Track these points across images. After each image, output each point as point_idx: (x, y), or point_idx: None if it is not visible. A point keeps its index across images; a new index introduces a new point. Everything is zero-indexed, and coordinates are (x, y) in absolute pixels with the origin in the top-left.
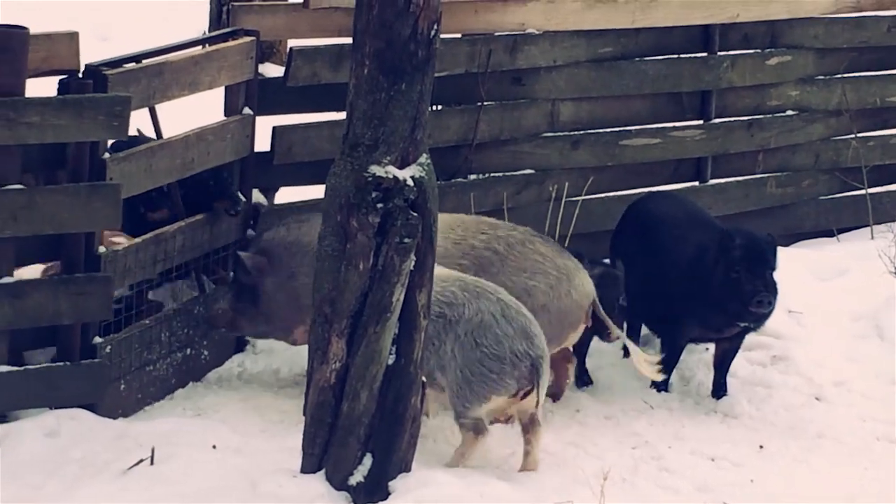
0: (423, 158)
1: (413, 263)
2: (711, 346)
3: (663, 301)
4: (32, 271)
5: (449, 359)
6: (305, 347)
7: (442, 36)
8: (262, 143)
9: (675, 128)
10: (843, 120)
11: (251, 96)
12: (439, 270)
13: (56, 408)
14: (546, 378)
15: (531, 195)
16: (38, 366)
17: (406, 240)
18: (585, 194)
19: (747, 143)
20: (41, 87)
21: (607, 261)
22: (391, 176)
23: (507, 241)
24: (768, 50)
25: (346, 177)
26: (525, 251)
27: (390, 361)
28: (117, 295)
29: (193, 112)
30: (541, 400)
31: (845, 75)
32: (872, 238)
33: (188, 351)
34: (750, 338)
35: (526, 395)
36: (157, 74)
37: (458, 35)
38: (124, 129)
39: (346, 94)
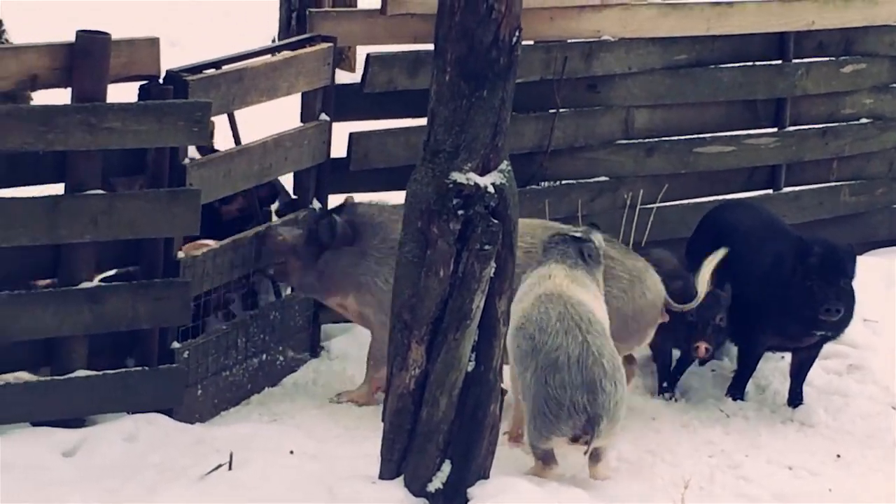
0: (504, 165)
1: (493, 270)
2: (787, 355)
3: (741, 310)
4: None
5: (526, 385)
6: None
7: None
8: (338, 149)
9: (749, 135)
10: None
11: (328, 102)
12: (557, 286)
13: (133, 412)
14: (605, 433)
15: (605, 202)
16: (116, 371)
17: (486, 246)
18: (660, 202)
19: (821, 150)
20: (123, 93)
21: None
22: (472, 183)
23: None
24: (843, 57)
25: (427, 183)
26: None
27: (470, 368)
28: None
29: (267, 118)
30: (600, 450)
31: None
32: None
33: (264, 356)
34: (826, 346)
35: (586, 443)
36: (236, 80)
37: (533, 42)
38: (204, 135)
39: (423, 100)
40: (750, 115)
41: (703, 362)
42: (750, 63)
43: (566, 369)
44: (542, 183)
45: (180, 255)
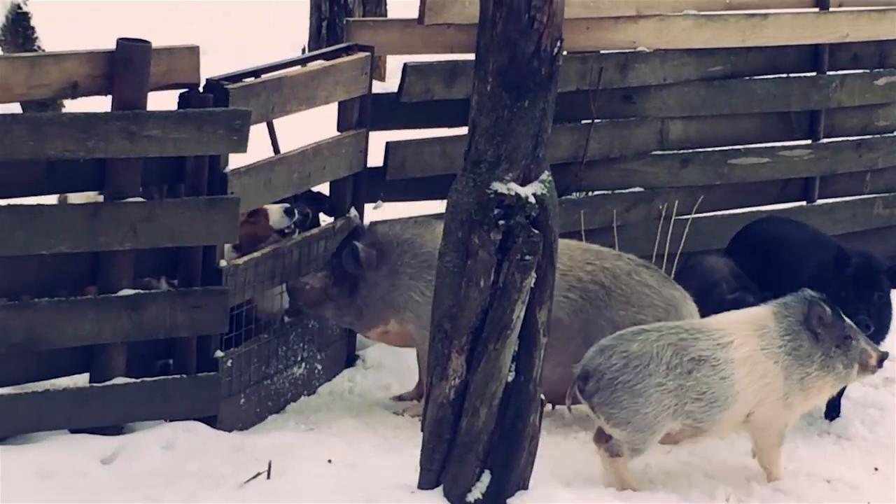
0: (545, 175)
1: (533, 280)
2: None
3: None
4: None
5: None
6: (415, 363)
7: None
8: (375, 158)
9: (783, 147)
10: None
11: (365, 111)
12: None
13: (172, 420)
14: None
15: (640, 213)
16: (154, 378)
17: (527, 257)
18: (694, 213)
19: (855, 163)
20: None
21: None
22: (513, 193)
23: (614, 273)
24: (877, 70)
25: (468, 193)
26: (631, 283)
27: (510, 379)
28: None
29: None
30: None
31: None
32: None
33: (303, 365)
34: None
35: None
36: (276, 89)
37: (569, 52)
38: (244, 143)
39: (459, 109)
40: (784, 127)
41: None
42: (784, 75)
43: None
44: (576, 194)
45: (222, 263)
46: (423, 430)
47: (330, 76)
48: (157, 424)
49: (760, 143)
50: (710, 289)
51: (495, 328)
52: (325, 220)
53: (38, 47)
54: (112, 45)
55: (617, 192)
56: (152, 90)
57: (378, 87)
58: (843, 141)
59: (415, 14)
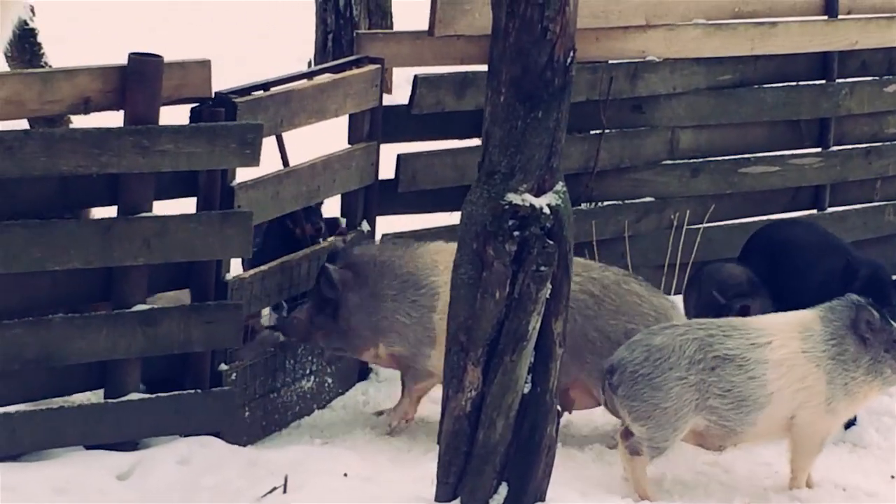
0: (559, 186)
1: (549, 292)
2: None
3: None
4: None
5: None
6: None
7: None
8: (386, 170)
9: (793, 155)
10: None
11: (375, 124)
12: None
13: (186, 435)
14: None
15: (651, 223)
16: (169, 393)
17: (542, 268)
18: (705, 222)
19: (865, 171)
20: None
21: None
22: (528, 204)
23: (602, 283)
24: (886, 77)
25: (483, 204)
26: (621, 292)
27: (526, 390)
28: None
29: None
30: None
31: None
32: None
33: (313, 378)
34: None
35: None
36: (284, 102)
37: (579, 62)
38: (256, 157)
39: (470, 121)
40: (794, 136)
41: None
42: (794, 83)
43: None
44: (587, 204)
45: (228, 276)
46: (439, 442)
47: (340, 89)
48: (172, 439)
49: (770, 151)
50: (723, 294)
51: (511, 339)
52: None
53: (45, 63)
54: (119, 57)
55: (628, 202)
56: (164, 104)
57: (385, 100)
58: (852, 149)
59: (423, 26)
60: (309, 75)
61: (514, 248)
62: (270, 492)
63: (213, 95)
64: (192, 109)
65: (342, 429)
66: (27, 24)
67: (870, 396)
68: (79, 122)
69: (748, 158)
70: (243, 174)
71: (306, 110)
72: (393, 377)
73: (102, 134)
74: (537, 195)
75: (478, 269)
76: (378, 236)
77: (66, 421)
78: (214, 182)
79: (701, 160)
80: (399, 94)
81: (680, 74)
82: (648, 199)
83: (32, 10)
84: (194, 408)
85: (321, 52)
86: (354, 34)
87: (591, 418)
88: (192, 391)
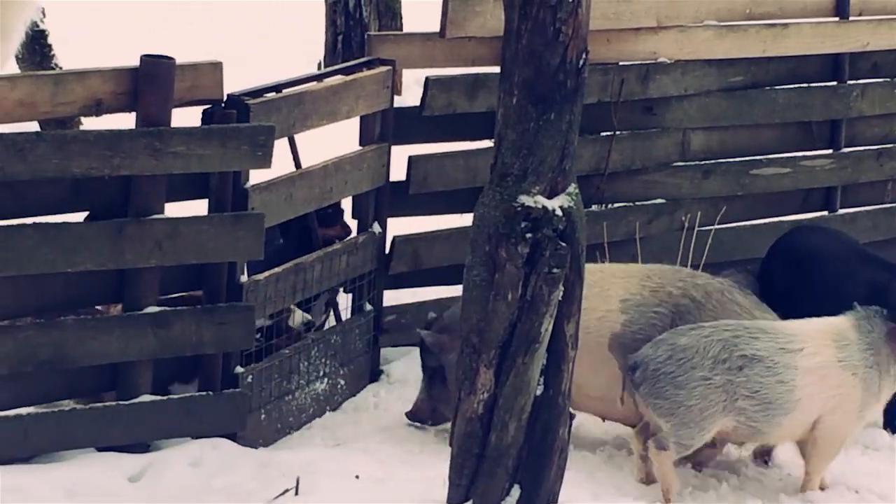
0: (572, 188)
1: (561, 294)
2: None
3: None
4: None
5: None
6: None
7: None
8: (397, 172)
9: (805, 157)
10: None
11: (387, 125)
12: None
13: (197, 437)
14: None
15: (662, 225)
16: (180, 395)
17: (555, 270)
18: (717, 224)
19: (876, 172)
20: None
21: None
22: (540, 206)
23: (706, 290)
24: None
25: (495, 207)
26: (723, 300)
27: (538, 392)
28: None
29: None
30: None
31: None
32: None
33: (326, 381)
34: None
35: None
36: (297, 104)
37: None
38: (268, 158)
39: (482, 123)
40: (805, 137)
41: None
42: (805, 84)
43: None
44: (595, 206)
45: (242, 279)
46: (451, 444)
47: (351, 90)
48: (183, 441)
49: (782, 153)
50: None
51: (524, 342)
52: None
53: (56, 65)
54: (120, 58)
55: (639, 203)
56: (176, 106)
57: (395, 101)
58: (864, 150)
59: (433, 27)
60: (320, 77)
61: (527, 250)
62: (282, 494)
63: (224, 97)
64: (204, 111)
65: (354, 430)
66: (38, 26)
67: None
68: (90, 123)
69: (760, 160)
70: (256, 176)
71: (318, 112)
72: (404, 379)
73: (114, 136)
74: (550, 197)
75: (490, 272)
76: (389, 238)
77: (77, 423)
78: (226, 184)
79: (712, 162)
80: (409, 95)
81: (691, 76)
82: (660, 200)
83: (43, 12)
84: (206, 410)
85: (331, 54)
86: (365, 36)
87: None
88: (204, 393)
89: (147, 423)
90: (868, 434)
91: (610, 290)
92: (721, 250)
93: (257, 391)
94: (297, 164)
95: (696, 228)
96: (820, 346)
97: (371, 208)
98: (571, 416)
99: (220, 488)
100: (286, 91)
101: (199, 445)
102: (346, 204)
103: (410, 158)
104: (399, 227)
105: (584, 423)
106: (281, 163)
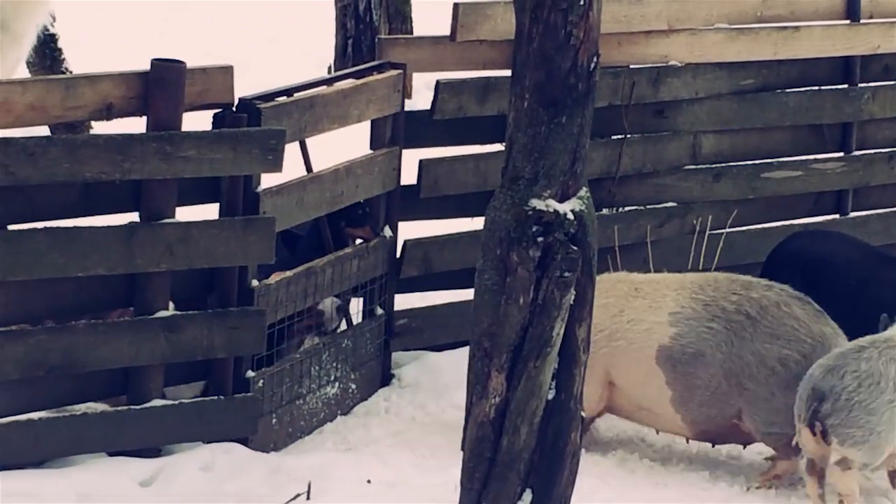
0: (583, 192)
1: (573, 297)
2: None
3: None
4: None
5: None
6: (451, 381)
7: None
8: (408, 176)
9: (816, 160)
10: None
11: (397, 129)
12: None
13: (208, 442)
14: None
15: (673, 228)
16: (191, 400)
17: (566, 274)
18: (728, 227)
19: (888, 175)
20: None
21: None
22: (552, 209)
23: (761, 304)
24: None
25: (507, 210)
26: (780, 314)
27: (550, 396)
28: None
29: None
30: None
31: None
32: None
33: (337, 385)
34: None
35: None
36: (308, 108)
37: (601, 67)
38: (279, 163)
39: (492, 126)
40: (816, 140)
41: None
42: (816, 87)
43: None
44: (606, 209)
45: (254, 283)
46: (463, 448)
47: (362, 94)
48: (195, 446)
49: (793, 156)
50: None
51: (535, 346)
52: None
53: (66, 69)
54: (124, 61)
55: (650, 207)
56: (186, 111)
57: (405, 105)
58: (875, 153)
59: (443, 31)
60: (330, 81)
61: (538, 253)
62: (294, 498)
63: (235, 101)
64: (215, 115)
65: (365, 435)
66: (48, 30)
67: None
68: (101, 128)
69: (771, 163)
70: (267, 180)
71: (329, 116)
72: (416, 383)
73: (125, 140)
74: (561, 201)
75: (501, 275)
76: (400, 242)
77: (89, 427)
78: (237, 188)
79: (723, 165)
80: (419, 99)
81: (702, 79)
82: (671, 204)
83: (53, 16)
84: (218, 414)
85: (341, 58)
86: (375, 39)
87: (614, 424)
88: (215, 398)
89: (158, 427)
90: None
91: (660, 301)
92: (732, 254)
93: (269, 395)
94: (309, 168)
95: (708, 232)
96: None
97: (382, 212)
98: (583, 421)
99: (232, 493)
100: (297, 95)
101: (211, 450)
102: None
103: (421, 162)
104: (410, 230)
105: (596, 426)
106: (292, 167)
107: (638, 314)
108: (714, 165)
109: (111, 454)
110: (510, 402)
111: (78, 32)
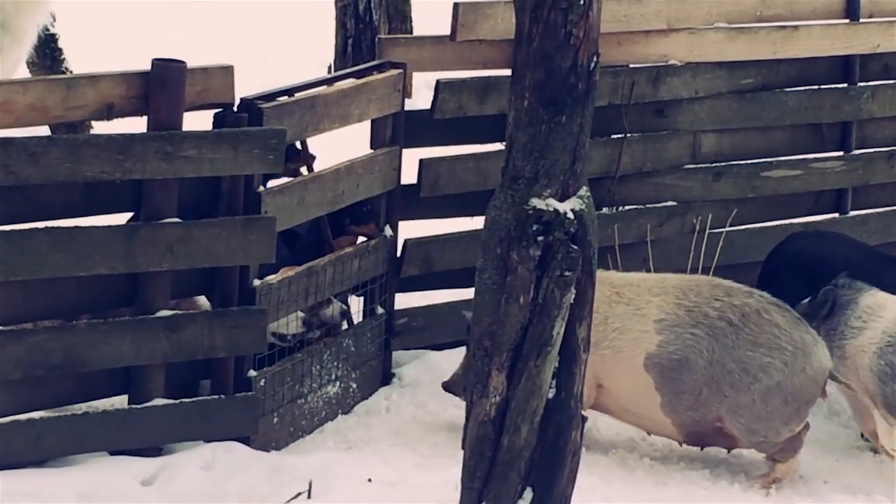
0: (583, 191)
1: (573, 297)
2: None
3: None
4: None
5: None
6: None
7: None
8: (408, 175)
9: (815, 159)
10: None
11: (398, 129)
12: None
13: (210, 441)
14: None
15: (673, 227)
16: (192, 399)
17: (567, 273)
18: (728, 226)
19: (887, 174)
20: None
21: None
22: (552, 209)
23: (742, 311)
24: None
25: (507, 209)
26: (761, 322)
27: (550, 395)
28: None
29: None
30: None
31: None
32: None
33: (338, 384)
34: None
35: None
36: (309, 107)
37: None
38: (279, 162)
39: (493, 126)
40: (816, 139)
41: None
42: (815, 87)
43: None
44: (606, 208)
45: (256, 282)
46: (463, 447)
47: (363, 94)
48: (196, 445)
49: (792, 155)
50: None
51: (535, 345)
52: None
53: (66, 69)
54: (123, 61)
55: (650, 206)
56: (187, 110)
57: (405, 105)
58: (875, 152)
59: (443, 30)
60: (331, 81)
61: (539, 252)
62: (295, 497)
63: (236, 101)
64: (216, 115)
65: (366, 434)
66: (48, 30)
67: None
68: (101, 127)
69: (770, 162)
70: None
71: (330, 115)
72: (416, 382)
73: (126, 140)
74: (561, 200)
75: (502, 274)
76: (400, 241)
77: (90, 427)
78: (238, 188)
79: (723, 164)
80: (419, 98)
81: (702, 78)
82: (671, 203)
83: (53, 16)
84: (219, 413)
85: (341, 57)
86: (376, 39)
87: (614, 423)
88: (216, 397)
89: (159, 426)
90: None
91: (645, 308)
92: (732, 253)
93: (270, 395)
94: (310, 168)
95: (708, 231)
96: None
97: (382, 212)
98: (584, 419)
99: (233, 492)
100: (298, 95)
101: (212, 449)
102: None
103: (421, 161)
104: (410, 230)
105: (597, 425)
106: None
107: (623, 322)
108: (714, 164)
109: (112, 453)
110: (511, 400)
111: (78, 33)
